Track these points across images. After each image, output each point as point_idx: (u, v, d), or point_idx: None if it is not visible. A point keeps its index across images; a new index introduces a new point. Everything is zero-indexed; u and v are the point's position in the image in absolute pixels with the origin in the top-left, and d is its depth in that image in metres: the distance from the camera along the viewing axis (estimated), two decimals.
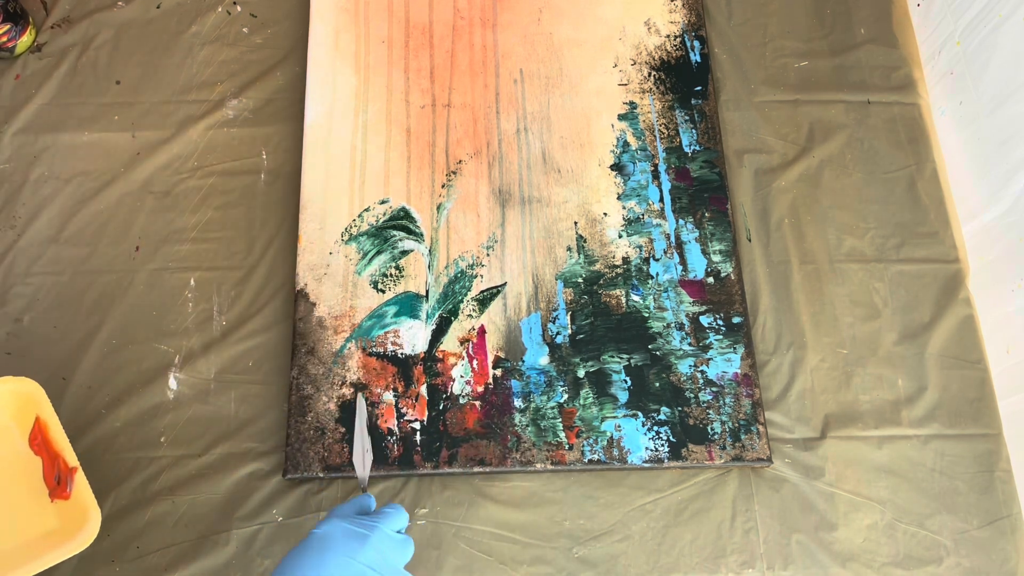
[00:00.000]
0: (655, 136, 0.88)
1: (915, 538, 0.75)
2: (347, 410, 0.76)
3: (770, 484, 0.77)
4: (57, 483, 0.69)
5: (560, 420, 0.76)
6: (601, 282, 0.82)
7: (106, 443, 0.76)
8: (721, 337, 0.80)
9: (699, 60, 0.91)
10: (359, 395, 0.69)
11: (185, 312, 0.80)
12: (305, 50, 0.90)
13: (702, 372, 0.78)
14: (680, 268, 0.82)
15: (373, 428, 0.75)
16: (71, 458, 0.69)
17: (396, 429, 0.75)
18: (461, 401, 0.77)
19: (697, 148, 0.87)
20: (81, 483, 0.68)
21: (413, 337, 0.79)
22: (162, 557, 0.72)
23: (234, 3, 0.94)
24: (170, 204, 0.85)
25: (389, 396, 0.76)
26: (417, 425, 0.76)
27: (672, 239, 0.84)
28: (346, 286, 0.80)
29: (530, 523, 0.75)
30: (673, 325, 0.80)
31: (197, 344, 0.79)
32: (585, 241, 0.83)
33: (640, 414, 0.77)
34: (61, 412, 0.76)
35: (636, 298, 0.81)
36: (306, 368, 0.77)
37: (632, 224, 0.84)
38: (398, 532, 0.58)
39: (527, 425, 0.76)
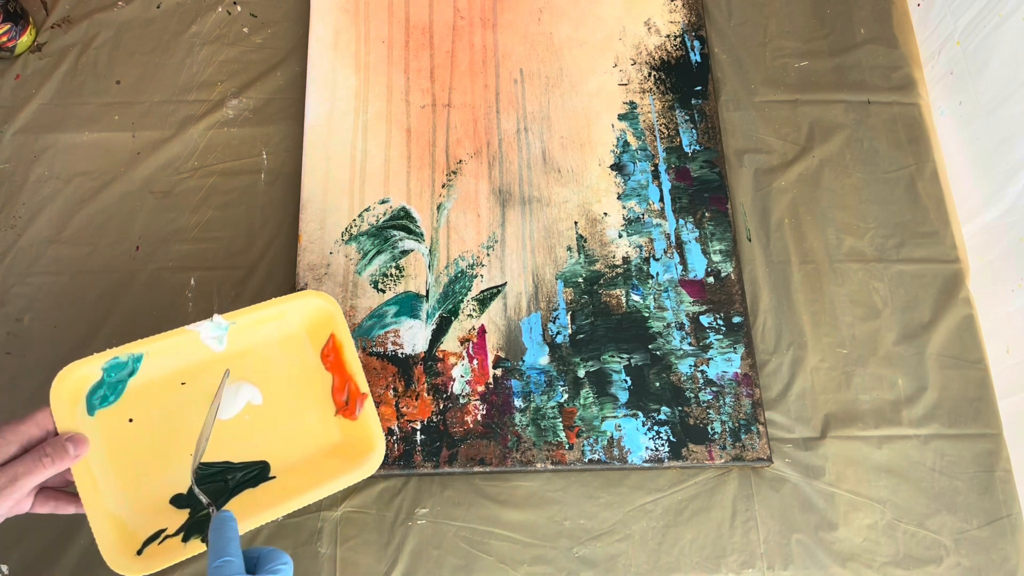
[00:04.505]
0: (655, 136, 0.88)
1: (915, 538, 0.75)
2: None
3: (770, 484, 0.77)
4: (345, 404, 0.70)
5: (560, 420, 0.76)
6: (601, 282, 0.82)
7: None
8: (721, 337, 0.80)
9: (699, 60, 0.91)
10: (225, 371, 0.67)
11: (185, 312, 0.80)
12: (305, 50, 0.90)
13: (702, 372, 0.78)
14: (680, 268, 0.82)
15: None
16: (363, 384, 0.69)
17: (396, 429, 0.75)
18: (461, 401, 0.77)
19: (697, 148, 0.87)
20: (370, 410, 0.69)
21: (413, 337, 0.79)
22: None
23: (234, 3, 0.94)
24: (170, 204, 0.85)
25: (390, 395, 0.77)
26: (417, 425, 0.76)
27: (672, 239, 0.84)
28: (346, 286, 0.80)
29: (530, 523, 0.75)
30: (673, 325, 0.80)
31: None
32: (585, 241, 0.83)
33: (640, 414, 0.77)
34: None
35: (636, 298, 0.81)
36: None
37: (632, 224, 0.84)
38: None
39: (527, 425, 0.76)
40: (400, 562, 0.72)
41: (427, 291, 0.81)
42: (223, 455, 0.67)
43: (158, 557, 0.61)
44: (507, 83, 0.89)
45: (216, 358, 0.68)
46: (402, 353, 0.78)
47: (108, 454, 0.64)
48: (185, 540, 0.63)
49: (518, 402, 0.77)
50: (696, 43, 0.92)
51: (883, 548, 0.75)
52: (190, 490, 0.62)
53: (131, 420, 0.66)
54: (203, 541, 0.61)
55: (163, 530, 0.63)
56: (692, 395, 0.78)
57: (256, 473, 0.67)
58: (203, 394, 0.67)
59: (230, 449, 0.68)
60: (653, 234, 0.84)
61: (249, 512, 0.64)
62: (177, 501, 0.65)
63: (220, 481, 0.66)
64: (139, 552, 0.61)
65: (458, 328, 0.79)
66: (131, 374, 0.65)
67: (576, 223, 0.84)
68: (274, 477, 0.68)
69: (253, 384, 0.69)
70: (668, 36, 0.92)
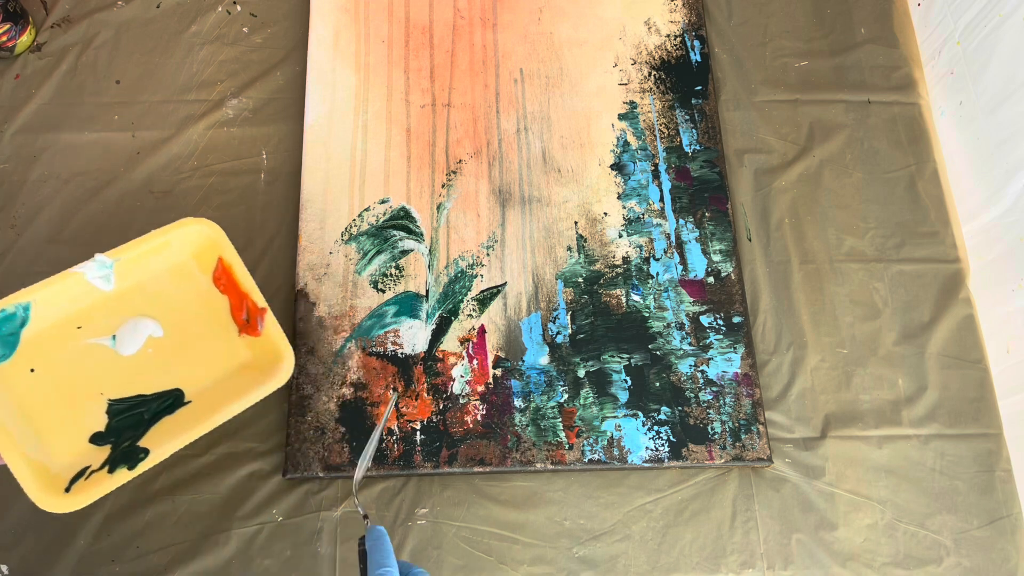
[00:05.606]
0: (655, 136, 0.88)
1: (915, 538, 0.75)
2: (347, 409, 0.76)
3: (770, 484, 0.77)
4: (247, 321, 0.72)
5: (560, 420, 0.76)
6: (601, 282, 0.82)
7: None
8: (721, 337, 0.80)
9: (699, 60, 0.91)
10: (393, 394, 0.73)
11: None
12: (305, 50, 0.90)
13: (702, 372, 0.78)
14: (680, 268, 0.82)
15: (368, 424, 0.75)
16: (260, 300, 0.71)
17: (396, 429, 0.75)
18: (461, 401, 0.77)
19: (697, 148, 0.87)
20: (271, 323, 0.71)
21: (413, 337, 0.79)
22: (162, 557, 0.72)
23: (234, 3, 0.94)
24: (170, 204, 0.85)
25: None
26: (417, 425, 0.76)
27: (672, 239, 0.84)
28: (346, 286, 0.80)
29: (530, 523, 0.75)
30: (673, 325, 0.80)
31: None
32: (585, 241, 0.83)
33: (640, 414, 0.77)
34: None
35: (636, 298, 0.81)
36: (306, 368, 0.77)
37: (632, 224, 0.84)
38: None
39: (527, 425, 0.76)
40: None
41: (427, 291, 0.81)
42: (134, 389, 0.70)
43: (86, 492, 0.63)
44: (507, 83, 0.89)
45: (107, 297, 0.70)
46: (402, 353, 0.78)
47: (17, 405, 0.66)
48: (111, 472, 0.65)
49: (518, 402, 0.77)
50: (696, 43, 0.92)
51: (883, 548, 0.75)
52: (108, 426, 0.66)
53: (33, 370, 0.67)
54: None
55: (88, 467, 0.66)
56: (692, 395, 0.78)
57: (171, 401, 0.70)
58: (100, 334, 0.70)
59: (140, 383, 0.70)
60: (653, 234, 0.84)
61: (170, 437, 0.66)
62: (97, 439, 0.67)
63: (135, 414, 0.68)
64: (67, 490, 0.64)
65: (458, 328, 0.79)
66: (23, 324, 0.66)
67: (576, 223, 0.84)
68: (190, 402, 0.70)
69: (151, 318, 0.71)
70: (668, 36, 0.92)
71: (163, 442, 0.66)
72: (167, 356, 0.71)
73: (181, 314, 0.72)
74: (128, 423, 0.68)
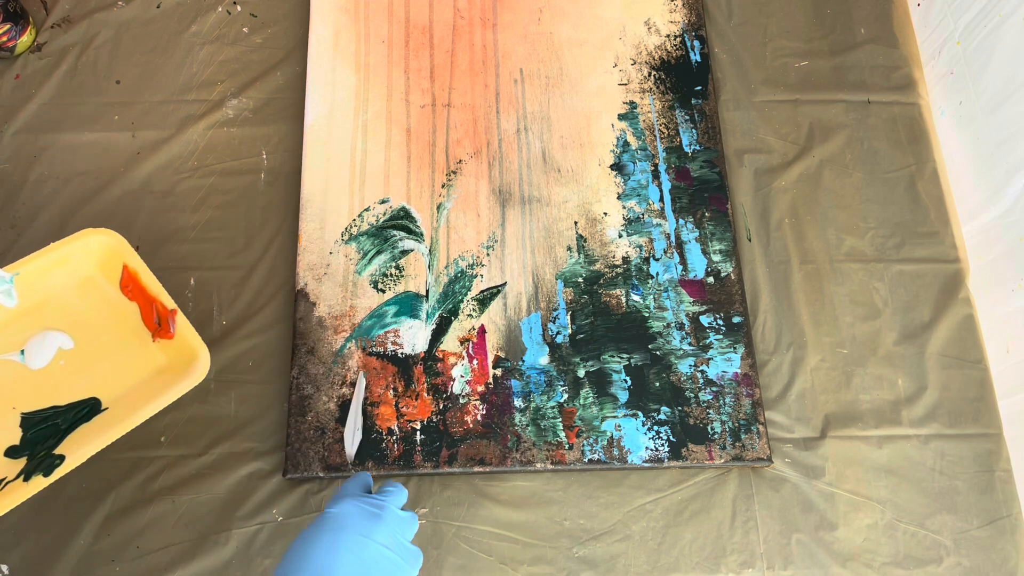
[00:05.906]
0: (655, 136, 0.88)
1: (915, 538, 0.75)
2: (347, 409, 0.76)
3: (770, 484, 0.77)
4: (158, 325, 0.73)
5: (560, 420, 0.76)
6: (601, 282, 0.82)
7: None
8: (721, 337, 0.80)
9: (699, 60, 0.91)
10: (361, 373, 0.73)
11: (185, 312, 0.80)
12: (305, 50, 0.90)
13: (702, 372, 0.78)
14: (680, 268, 0.82)
15: (368, 424, 0.75)
16: (168, 302, 0.72)
17: (396, 429, 0.75)
18: (461, 401, 0.77)
19: (697, 148, 0.87)
20: (183, 323, 0.72)
21: (413, 337, 0.79)
22: (162, 557, 0.72)
23: (234, 3, 0.94)
24: (170, 204, 0.85)
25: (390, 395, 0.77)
26: (417, 425, 0.76)
27: (672, 239, 0.84)
28: (346, 286, 0.80)
29: (530, 523, 0.75)
30: (673, 325, 0.80)
31: None
32: (585, 241, 0.83)
33: (640, 414, 0.77)
34: None
35: (636, 298, 0.81)
36: (306, 368, 0.77)
37: (632, 224, 0.84)
38: (402, 509, 0.59)
39: (527, 425, 0.76)
40: None
41: (427, 291, 0.81)
42: (48, 401, 0.70)
43: (0, 502, 0.64)
44: (507, 83, 0.89)
45: (13, 314, 0.71)
46: (402, 353, 0.78)
47: None
48: (26, 480, 0.66)
49: (518, 402, 0.77)
50: (696, 43, 0.92)
51: (883, 548, 0.75)
52: (23, 439, 0.67)
53: None
54: (44, 477, 0.65)
55: (3, 479, 0.66)
56: (692, 395, 0.78)
57: (87, 410, 0.71)
58: (8, 350, 0.71)
59: (54, 395, 0.71)
60: (653, 234, 0.84)
61: (87, 443, 0.67)
62: (12, 452, 0.68)
63: (50, 425, 0.69)
64: None
65: (458, 328, 0.79)
66: None
67: (576, 223, 0.84)
68: (107, 408, 0.71)
69: (60, 331, 0.72)
70: (668, 36, 0.92)
71: (81, 447, 0.67)
72: (80, 367, 0.72)
73: (92, 325, 0.74)
74: (44, 434, 0.69)
